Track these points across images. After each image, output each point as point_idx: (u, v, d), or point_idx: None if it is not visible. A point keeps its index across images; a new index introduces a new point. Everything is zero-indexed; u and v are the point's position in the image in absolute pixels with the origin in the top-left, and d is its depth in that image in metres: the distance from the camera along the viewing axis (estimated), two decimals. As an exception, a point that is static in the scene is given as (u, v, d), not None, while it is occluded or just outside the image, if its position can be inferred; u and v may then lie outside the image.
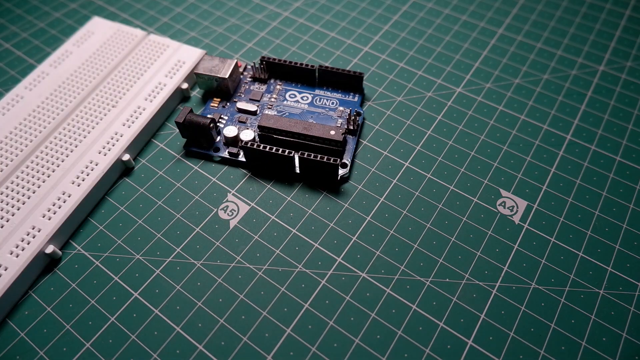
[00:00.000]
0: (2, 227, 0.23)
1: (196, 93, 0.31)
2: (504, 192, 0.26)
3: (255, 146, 0.26)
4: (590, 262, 0.24)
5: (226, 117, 0.29)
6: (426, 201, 0.26)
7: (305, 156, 0.25)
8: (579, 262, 0.24)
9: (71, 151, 0.26)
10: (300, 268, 0.24)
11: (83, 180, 0.25)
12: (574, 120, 0.29)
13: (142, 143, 0.28)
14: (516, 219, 0.25)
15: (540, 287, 0.23)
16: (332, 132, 0.26)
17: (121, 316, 0.22)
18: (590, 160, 0.28)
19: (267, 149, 0.25)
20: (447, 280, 0.23)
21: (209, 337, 0.22)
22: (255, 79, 0.31)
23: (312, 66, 0.30)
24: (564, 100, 0.30)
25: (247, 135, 0.27)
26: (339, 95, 0.30)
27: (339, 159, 0.25)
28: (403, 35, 0.34)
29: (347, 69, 0.32)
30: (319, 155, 0.25)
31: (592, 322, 0.22)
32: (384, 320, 0.22)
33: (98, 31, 0.32)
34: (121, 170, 0.27)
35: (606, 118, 0.30)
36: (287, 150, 0.25)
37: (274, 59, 0.30)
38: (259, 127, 0.27)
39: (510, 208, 0.26)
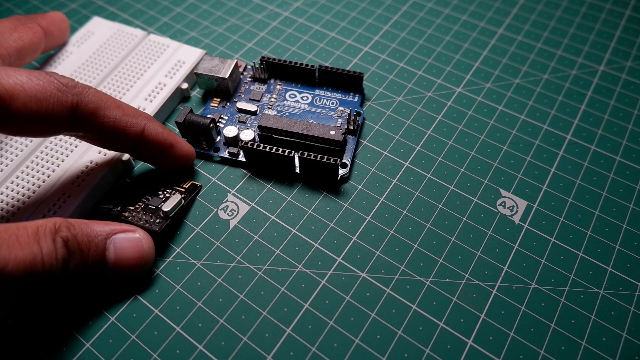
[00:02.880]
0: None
1: (196, 93, 0.31)
2: (503, 192, 0.26)
3: (255, 146, 0.26)
4: (590, 262, 0.24)
5: (226, 117, 0.29)
6: (426, 201, 0.26)
7: (305, 156, 0.25)
8: (578, 262, 0.24)
9: (71, 151, 0.26)
10: (300, 268, 0.24)
11: (83, 181, 0.25)
12: (573, 120, 0.29)
13: (142, 143, 0.28)
14: (516, 219, 0.25)
15: (540, 287, 0.23)
16: (332, 132, 0.26)
17: (121, 316, 0.22)
18: (590, 160, 0.28)
19: (267, 149, 0.25)
20: (447, 280, 0.23)
21: (209, 337, 0.22)
22: (255, 79, 0.31)
23: (312, 66, 0.30)
24: (564, 100, 0.30)
25: (247, 135, 0.27)
26: (339, 95, 0.30)
27: (339, 159, 0.25)
28: (403, 35, 0.34)
29: (347, 69, 0.32)
30: (319, 155, 0.25)
31: (592, 322, 0.22)
32: (384, 320, 0.22)
33: (98, 31, 0.32)
34: (121, 171, 0.27)
35: (606, 118, 0.30)
36: (287, 150, 0.25)
37: (274, 59, 0.30)
38: (259, 127, 0.27)
39: (510, 208, 0.26)
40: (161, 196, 0.25)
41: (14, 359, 0.21)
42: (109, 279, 0.22)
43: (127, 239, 0.22)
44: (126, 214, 0.24)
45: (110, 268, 0.21)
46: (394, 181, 0.27)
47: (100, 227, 0.21)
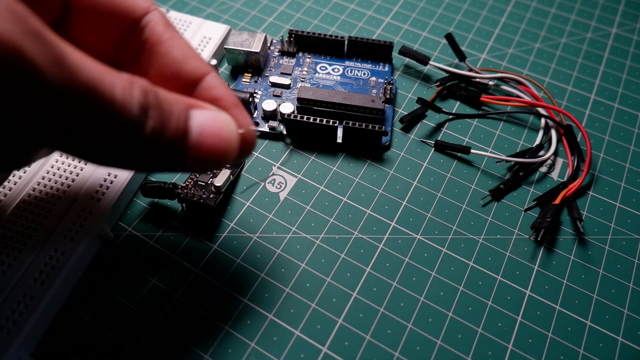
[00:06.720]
0: (50, 211, 0.23)
1: (223, 69, 0.31)
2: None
3: (299, 118, 0.26)
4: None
5: (260, 92, 0.29)
6: (467, 164, 0.27)
7: (350, 125, 0.25)
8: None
9: (109, 132, 0.25)
10: (357, 234, 0.24)
11: (127, 161, 0.24)
12: (595, 80, 0.31)
13: (177, 121, 0.27)
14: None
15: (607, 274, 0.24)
16: (373, 101, 0.27)
17: (185, 292, 0.22)
18: (615, 117, 0.29)
19: (310, 120, 0.25)
20: (498, 236, 0.24)
21: (277, 306, 0.22)
22: (283, 53, 0.30)
23: (342, 37, 0.30)
24: (584, 62, 0.32)
25: (287, 108, 0.27)
26: (369, 66, 0.30)
27: (383, 127, 0.25)
28: (422, 5, 0.35)
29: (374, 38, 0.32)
30: (364, 124, 0.25)
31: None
32: (445, 278, 0.23)
33: (114, 10, 0.31)
34: (161, 150, 0.26)
35: (625, 77, 0.31)
36: (331, 121, 0.26)
37: (303, 32, 0.30)
38: (299, 99, 0.27)
39: (548, 166, 0.27)
40: (208, 172, 0.25)
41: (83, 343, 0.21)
42: (188, 168, 0.16)
43: (211, 117, 0.16)
44: (178, 190, 0.23)
45: (192, 146, 0.15)
46: (434, 147, 0.27)
47: (180, 96, 0.16)
